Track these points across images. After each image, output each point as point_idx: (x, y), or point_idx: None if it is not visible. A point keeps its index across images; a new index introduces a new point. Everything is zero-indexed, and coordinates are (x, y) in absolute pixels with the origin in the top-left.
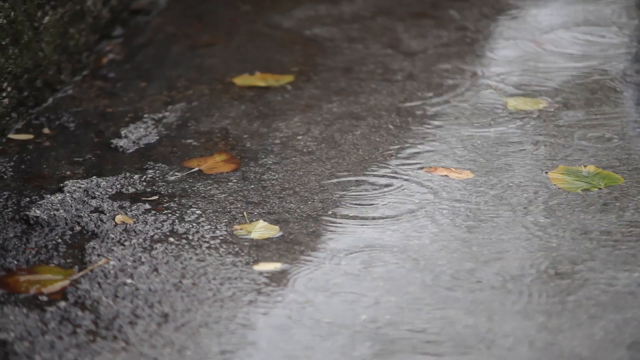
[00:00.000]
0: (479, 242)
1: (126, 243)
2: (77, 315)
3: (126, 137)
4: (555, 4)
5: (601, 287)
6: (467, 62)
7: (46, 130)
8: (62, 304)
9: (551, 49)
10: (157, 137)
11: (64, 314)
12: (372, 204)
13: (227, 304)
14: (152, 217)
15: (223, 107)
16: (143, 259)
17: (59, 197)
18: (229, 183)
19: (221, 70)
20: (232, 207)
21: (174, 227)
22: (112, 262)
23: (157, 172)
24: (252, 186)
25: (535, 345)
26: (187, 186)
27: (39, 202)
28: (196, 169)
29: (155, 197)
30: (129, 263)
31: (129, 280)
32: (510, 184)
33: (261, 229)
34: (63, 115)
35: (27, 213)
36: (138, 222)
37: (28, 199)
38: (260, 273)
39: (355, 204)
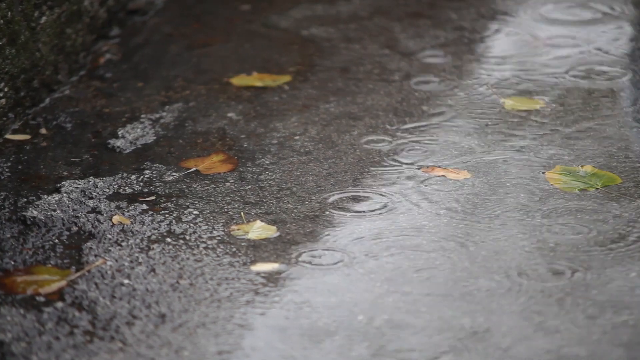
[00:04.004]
0: (476, 242)
1: (123, 243)
2: (74, 316)
3: (123, 137)
4: (553, 3)
5: (598, 287)
6: (464, 62)
7: (43, 131)
8: (59, 304)
9: (548, 49)
10: (154, 138)
11: (61, 315)
12: (369, 204)
13: (225, 304)
14: (149, 218)
15: (220, 107)
16: (140, 260)
17: (56, 198)
18: (226, 183)
19: (218, 70)
20: (229, 207)
21: (171, 227)
22: (109, 263)
23: (154, 172)
24: (250, 186)
25: (532, 345)
26: (184, 186)
27: (36, 203)
28: (193, 169)
29: (153, 198)
30: (126, 263)
31: (126, 281)
32: (508, 184)
33: (258, 229)
34: (60, 116)
35: (24, 213)
36: (135, 223)
37: (25, 200)
38: (258, 273)
39: (353, 205)
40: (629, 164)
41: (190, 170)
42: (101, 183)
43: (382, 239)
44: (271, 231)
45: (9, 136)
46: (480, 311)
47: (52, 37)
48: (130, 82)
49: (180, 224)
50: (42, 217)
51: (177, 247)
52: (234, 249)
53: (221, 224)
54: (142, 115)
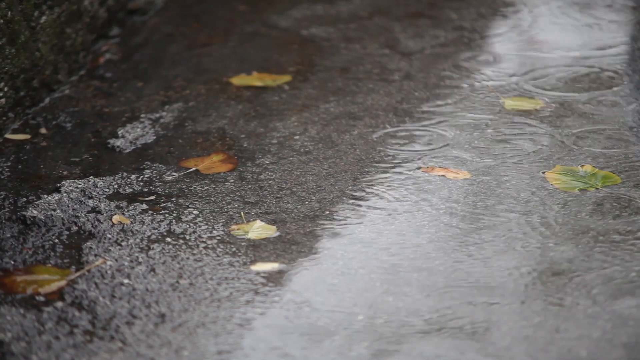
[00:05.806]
0: (476, 242)
1: (123, 243)
2: (74, 316)
3: (123, 137)
4: (552, 4)
5: (598, 287)
6: (464, 62)
7: (43, 130)
8: (59, 304)
9: (548, 49)
10: (154, 137)
11: (61, 314)
12: (369, 204)
13: (224, 304)
14: (149, 217)
15: (220, 107)
16: (140, 259)
17: (56, 197)
18: (226, 183)
19: (218, 70)
20: (229, 207)
21: (171, 227)
22: (109, 262)
23: (154, 172)
24: (249, 186)
25: (532, 345)
26: (184, 186)
27: (36, 202)
28: (193, 169)
29: (153, 197)
30: (126, 263)
31: (126, 281)
32: (508, 184)
33: (258, 229)
34: (60, 115)
35: (24, 213)
36: (135, 222)
37: (25, 199)
38: (258, 273)
39: (352, 205)
40: (628, 164)
41: (190, 170)
42: (101, 183)
43: (382, 238)
44: (271, 231)
45: (8, 136)
46: (480, 310)
47: (52, 36)
48: (130, 82)
49: (180, 224)
50: (42, 217)
51: (177, 246)
52: (234, 249)
53: (221, 223)
54: (142, 115)
